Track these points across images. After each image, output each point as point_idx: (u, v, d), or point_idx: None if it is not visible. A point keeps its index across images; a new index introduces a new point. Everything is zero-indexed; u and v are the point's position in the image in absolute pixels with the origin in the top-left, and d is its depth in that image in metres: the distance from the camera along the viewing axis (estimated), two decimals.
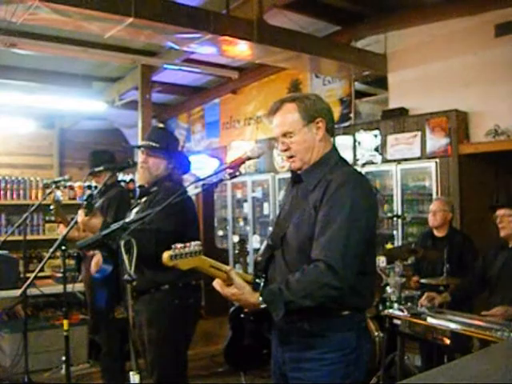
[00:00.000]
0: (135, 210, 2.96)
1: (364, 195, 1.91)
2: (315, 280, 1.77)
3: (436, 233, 4.18)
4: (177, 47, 4.97)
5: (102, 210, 3.48)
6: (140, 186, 3.06)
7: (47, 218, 6.03)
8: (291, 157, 2.00)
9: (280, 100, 2.05)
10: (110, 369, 4.11)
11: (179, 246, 1.68)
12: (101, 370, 4.31)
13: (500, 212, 3.49)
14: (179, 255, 1.67)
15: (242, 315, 2.00)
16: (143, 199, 2.97)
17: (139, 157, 3.01)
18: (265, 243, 2.14)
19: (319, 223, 1.85)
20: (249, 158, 2.11)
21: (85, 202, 2.82)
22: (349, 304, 1.90)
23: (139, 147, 3.07)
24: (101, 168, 3.16)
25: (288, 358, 1.99)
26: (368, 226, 1.91)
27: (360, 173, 2.05)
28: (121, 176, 6.34)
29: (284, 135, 2.00)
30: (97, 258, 3.11)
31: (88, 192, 6.00)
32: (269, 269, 2.00)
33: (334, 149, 2.06)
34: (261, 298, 1.79)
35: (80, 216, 2.82)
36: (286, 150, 2.00)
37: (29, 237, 5.03)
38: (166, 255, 1.68)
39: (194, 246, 1.71)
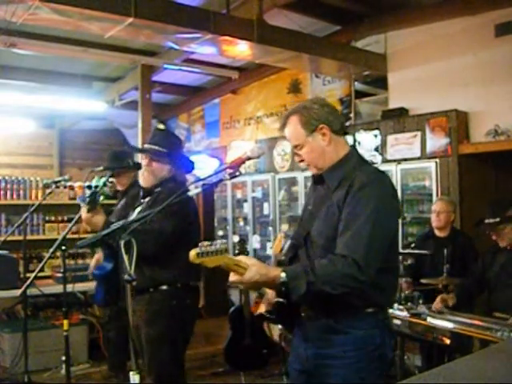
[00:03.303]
0: (138, 210, 2.97)
1: (387, 194, 1.96)
2: (340, 269, 1.81)
3: (438, 233, 4.16)
4: (177, 47, 4.97)
5: (125, 210, 3.48)
6: (142, 187, 3.06)
7: (47, 218, 6.03)
8: (308, 165, 2.08)
9: (285, 114, 2.11)
10: (118, 367, 4.14)
11: (206, 243, 1.69)
12: (110, 368, 4.33)
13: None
14: (205, 253, 1.68)
15: (266, 313, 2.04)
16: (146, 199, 2.98)
17: (142, 160, 3.01)
18: (288, 243, 2.17)
19: (343, 221, 1.89)
20: (249, 158, 2.14)
21: (88, 199, 2.82)
22: (372, 301, 1.94)
23: (143, 151, 3.06)
24: (101, 168, 3.16)
25: (311, 354, 2.01)
26: (391, 223, 1.97)
27: (382, 172, 2.08)
28: None
29: (295, 147, 2.07)
30: (97, 257, 3.11)
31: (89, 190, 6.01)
32: None
33: (353, 148, 2.11)
34: (283, 274, 1.80)
35: (83, 212, 2.82)
36: (301, 161, 2.08)
37: (29, 237, 5.04)
38: (193, 252, 1.68)
39: (220, 244, 1.71)
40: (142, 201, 3.03)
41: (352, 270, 1.79)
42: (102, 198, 2.85)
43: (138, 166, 3.05)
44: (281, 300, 1.95)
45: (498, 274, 3.49)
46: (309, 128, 2.02)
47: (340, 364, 1.93)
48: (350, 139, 5.64)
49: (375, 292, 1.91)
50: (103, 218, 2.81)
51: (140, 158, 3.12)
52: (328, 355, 1.96)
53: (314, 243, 2.00)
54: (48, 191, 3.72)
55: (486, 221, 3.46)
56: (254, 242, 6.65)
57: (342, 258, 1.82)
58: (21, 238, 4.35)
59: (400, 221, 5.00)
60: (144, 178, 2.99)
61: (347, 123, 6.05)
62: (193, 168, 3.13)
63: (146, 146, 3.06)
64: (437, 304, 3.42)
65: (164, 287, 2.83)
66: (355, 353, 1.91)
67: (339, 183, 1.98)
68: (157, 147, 2.95)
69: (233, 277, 1.81)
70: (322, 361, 1.98)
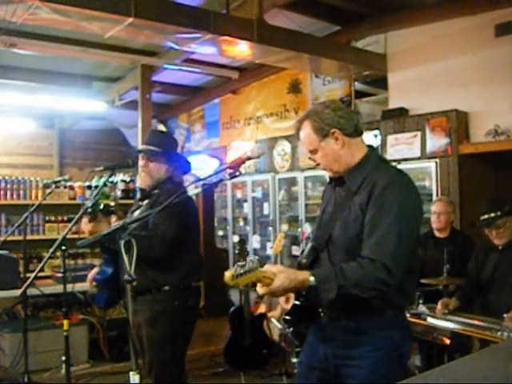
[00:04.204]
0: (137, 213, 2.96)
1: (410, 195, 1.97)
2: (370, 273, 1.82)
3: (438, 234, 4.15)
4: (177, 47, 4.97)
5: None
6: (140, 189, 3.06)
7: (47, 218, 6.03)
8: (324, 168, 2.10)
9: (299, 119, 2.10)
10: None
11: (240, 264, 1.72)
12: None
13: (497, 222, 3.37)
14: (240, 274, 1.72)
15: (287, 317, 2.08)
16: (145, 201, 2.98)
17: (139, 161, 3.01)
18: (309, 245, 2.17)
19: (369, 224, 1.90)
20: (249, 158, 2.15)
21: (89, 209, 2.81)
22: (394, 302, 1.96)
23: (139, 152, 3.07)
24: (101, 168, 3.16)
25: (332, 354, 2.03)
26: (415, 225, 1.99)
27: (403, 172, 2.08)
28: (121, 176, 6.34)
29: (310, 152, 2.08)
30: (94, 271, 3.11)
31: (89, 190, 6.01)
32: None
33: (372, 149, 2.11)
34: (312, 278, 1.81)
35: (84, 223, 2.82)
36: (317, 165, 2.10)
37: (29, 237, 5.02)
38: (228, 275, 1.70)
39: (250, 263, 1.74)
40: (139, 203, 3.03)
41: (382, 274, 1.81)
42: (101, 206, 2.86)
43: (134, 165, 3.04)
44: (298, 303, 1.98)
45: (492, 275, 3.44)
46: (321, 133, 2.01)
47: (360, 364, 1.95)
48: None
49: (397, 293, 1.93)
50: (105, 227, 2.79)
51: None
52: (348, 355, 1.98)
53: (336, 246, 2.01)
54: (48, 191, 3.71)
55: (487, 216, 3.39)
56: (254, 241, 6.64)
57: (370, 261, 1.83)
58: (21, 238, 4.35)
59: None
60: (141, 180, 2.99)
61: None
62: (190, 169, 3.13)
63: (141, 146, 3.07)
64: (438, 310, 3.39)
65: (166, 288, 2.83)
66: (375, 353, 1.94)
67: (360, 185, 1.98)
68: (152, 147, 2.96)
69: (261, 288, 1.82)
70: (341, 361, 2.00)
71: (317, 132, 2.02)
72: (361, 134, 2.08)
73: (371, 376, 1.93)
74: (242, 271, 1.71)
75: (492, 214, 3.38)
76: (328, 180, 2.23)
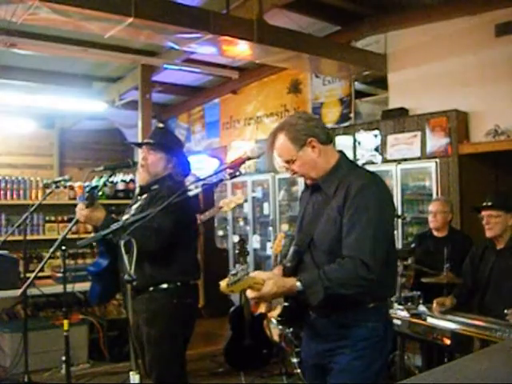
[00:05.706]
0: (135, 207, 2.96)
1: (383, 194, 2.09)
2: (352, 271, 1.93)
3: (436, 233, 4.16)
4: (177, 47, 4.97)
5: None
6: (140, 186, 3.07)
7: (47, 218, 6.03)
8: (302, 176, 2.19)
9: (272, 133, 2.18)
10: None
11: (232, 272, 1.85)
12: None
13: (486, 213, 3.43)
14: (234, 282, 1.85)
15: (279, 318, 2.16)
16: (143, 196, 2.98)
17: (140, 154, 3.02)
18: (292, 249, 2.25)
19: (346, 224, 2.00)
20: (249, 158, 2.18)
21: (86, 194, 2.80)
22: (376, 295, 2.06)
23: (139, 144, 3.07)
24: (101, 168, 3.15)
25: (323, 349, 2.13)
26: (389, 221, 2.14)
27: (373, 173, 2.17)
28: (121, 176, 6.34)
29: (287, 162, 2.16)
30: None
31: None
32: (298, 273, 2.10)
33: (342, 154, 2.21)
34: (299, 283, 1.92)
35: (79, 209, 2.78)
36: (295, 173, 2.18)
37: (29, 237, 5.00)
38: (223, 284, 1.84)
39: (242, 271, 1.86)
40: (138, 198, 3.03)
41: (362, 271, 1.91)
42: (100, 193, 2.82)
43: (134, 165, 3.04)
44: (287, 304, 2.08)
45: (488, 277, 3.43)
46: (298, 143, 2.10)
47: (345, 351, 2.05)
48: (349, 139, 5.65)
49: (378, 286, 2.01)
50: (103, 214, 2.76)
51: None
52: (336, 346, 2.08)
53: (318, 248, 2.09)
54: (48, 191, 3.71)
55: (484, 203, 3.45)
56: (254, 241, 6.65)
57: (350, 260, 1.94)
58: (21, 237, 4.34)
59: (400, 221, 5.01)
60: (140, 177, 3.00)
61: (347, 123, 6.07)
62: (189, 170, 3.12)
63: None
64: (434, 309, 3.40)
65: (164, 286, 2.83)
66: (360, 343, 2.04)
67: (336, 189, 2.08)
68: (153, 141, 2.98)
69: (251, 293, 1.93)
70: (330, 352, 2.09)
71: (294, 142, 2.10)
72: (331, 141, 2.18)
73: (354, 362, 2.03)
74: (235, 279, 1.83)
75: (489, 203, 3.44)
76: (304, 187, 2.33)
